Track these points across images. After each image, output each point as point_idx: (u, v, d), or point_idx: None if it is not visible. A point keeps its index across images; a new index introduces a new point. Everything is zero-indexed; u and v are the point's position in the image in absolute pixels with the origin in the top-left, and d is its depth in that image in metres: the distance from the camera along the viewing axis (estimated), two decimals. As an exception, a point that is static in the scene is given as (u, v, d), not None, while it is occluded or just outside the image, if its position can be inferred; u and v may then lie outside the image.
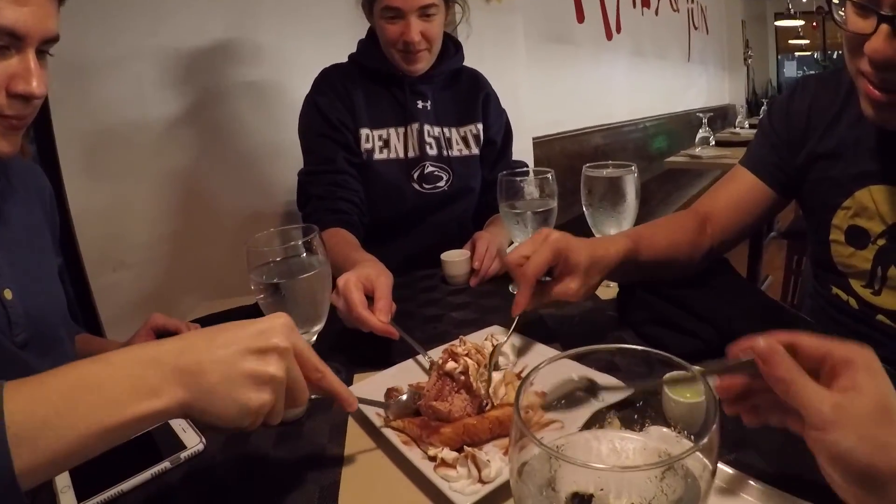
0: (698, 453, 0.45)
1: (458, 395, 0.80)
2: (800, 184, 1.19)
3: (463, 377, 0.80)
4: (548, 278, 0.99)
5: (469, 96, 1.71)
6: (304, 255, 0.90)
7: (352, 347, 1.07)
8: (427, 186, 1.63)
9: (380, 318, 0.97)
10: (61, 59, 0.89)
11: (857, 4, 0.86)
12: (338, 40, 1.80)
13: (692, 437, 0.54)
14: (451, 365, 0.81)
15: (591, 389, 0.64)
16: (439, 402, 0.79)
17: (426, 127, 1.63)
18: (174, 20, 1.95)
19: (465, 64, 1.73)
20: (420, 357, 0.98)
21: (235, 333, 0.64)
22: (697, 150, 3.99)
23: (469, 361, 0.81)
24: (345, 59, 1.66)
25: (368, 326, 0.97)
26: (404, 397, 0.84)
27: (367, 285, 1.02)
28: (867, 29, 0.85)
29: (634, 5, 5.29)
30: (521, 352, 0.98)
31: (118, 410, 0.57)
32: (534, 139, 3.45)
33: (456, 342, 0.87)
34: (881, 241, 1.05)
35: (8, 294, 0.92)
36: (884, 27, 0.82)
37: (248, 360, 0.62)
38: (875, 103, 0.91)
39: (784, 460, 0.70)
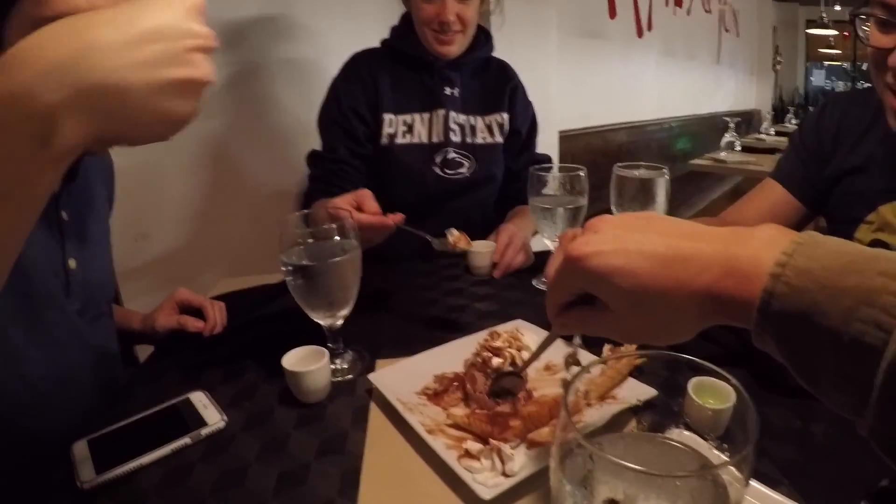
0: (732, 466, 0.45)
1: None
2: (827, 198, 1.20)
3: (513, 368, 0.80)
4: None
5: (497, 86, 1.70)
6: (337, 238, 0.90)
7: (375, 333, 1.08)
8: (449, 172, 1.62)
9: (371, 212, 1.05)
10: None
11: (880, 21, 0.88)
12: (372, 23, 1.79)
13: (718, 440, 0.53)
14: (497, 360, 0.81)
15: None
16: (503, 406, 0.78)
17: (452, 114, 1.62)
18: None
19: (495, 54, 1.72)
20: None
21: (150, 25, 0.46)
22: (722, 155, 3.96)
23: (512, 352, 0.81)
24: (377, 43, 1.66)
25: (365, 222, 1.02)
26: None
27: (352, 202, 1.08)
28: (889, 44, 0.88)
29: (667, 4, 5.21)
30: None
31: None
32: (559, 133, 3.42)
33: (486, 335, 0.87)
34: None
35: (72, 263, 0.92)
36: None
37: (174, 67, 0.48)
38: None
39: (798, 469, 0.69)
